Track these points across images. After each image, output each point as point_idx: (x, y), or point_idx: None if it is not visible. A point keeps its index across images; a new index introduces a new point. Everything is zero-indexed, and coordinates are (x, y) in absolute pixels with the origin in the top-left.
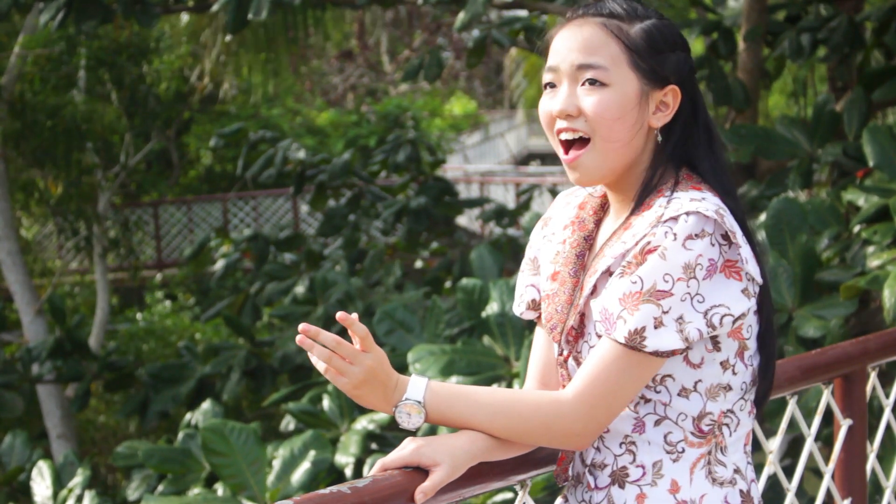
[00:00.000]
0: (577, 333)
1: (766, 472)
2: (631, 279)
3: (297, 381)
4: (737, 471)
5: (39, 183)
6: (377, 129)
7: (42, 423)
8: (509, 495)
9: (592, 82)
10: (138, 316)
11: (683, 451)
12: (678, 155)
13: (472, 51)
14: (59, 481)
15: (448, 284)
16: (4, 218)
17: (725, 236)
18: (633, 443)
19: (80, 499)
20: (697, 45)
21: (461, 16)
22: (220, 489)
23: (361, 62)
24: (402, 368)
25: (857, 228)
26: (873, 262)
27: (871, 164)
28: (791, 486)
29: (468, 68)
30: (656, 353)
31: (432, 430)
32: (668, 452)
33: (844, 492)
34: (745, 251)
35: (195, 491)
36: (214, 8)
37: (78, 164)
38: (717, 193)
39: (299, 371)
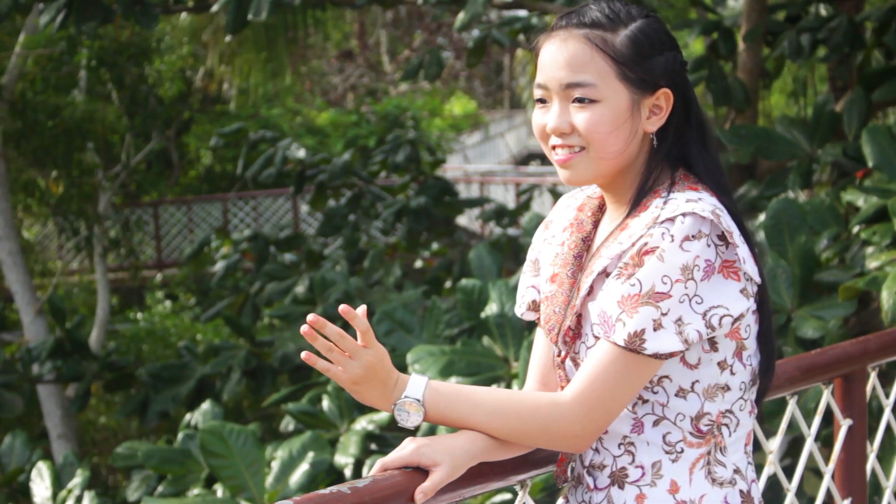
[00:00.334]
0: (574, 334)
1: (766, 472)
2: (629, 282)
3: (297, 382)
4: (737, 471)
5: (40, 183)
6: (377, 129)
7: (42, 423)
8: (508, 496)
9: (582, 100)
10: (139, 316)
11: (682, 451)
12: (673, 154)
13: (472, 51)
14: (59, 482)
15: (448, 284)
16: (5, 218)
17: (722, 236)
18: (632, 443)
19: (79, 499)
20: (697, 45)
21: (461, 16)
22: (219, 490)
23: (361, 62)
24: (401, 369)
25: (856, 229)
26: (872, 263)
27: (870, 164)
28: (791, 486)
29: (468, 68)
30: (656, 356)
31: (432, 431)
32: (667, 453)
33: (844, 492)
34: (743, 251)
35: (194, 492)
36: (214, 8)
37: (79, 164)
38: (713, 192)
39: (299, 371)
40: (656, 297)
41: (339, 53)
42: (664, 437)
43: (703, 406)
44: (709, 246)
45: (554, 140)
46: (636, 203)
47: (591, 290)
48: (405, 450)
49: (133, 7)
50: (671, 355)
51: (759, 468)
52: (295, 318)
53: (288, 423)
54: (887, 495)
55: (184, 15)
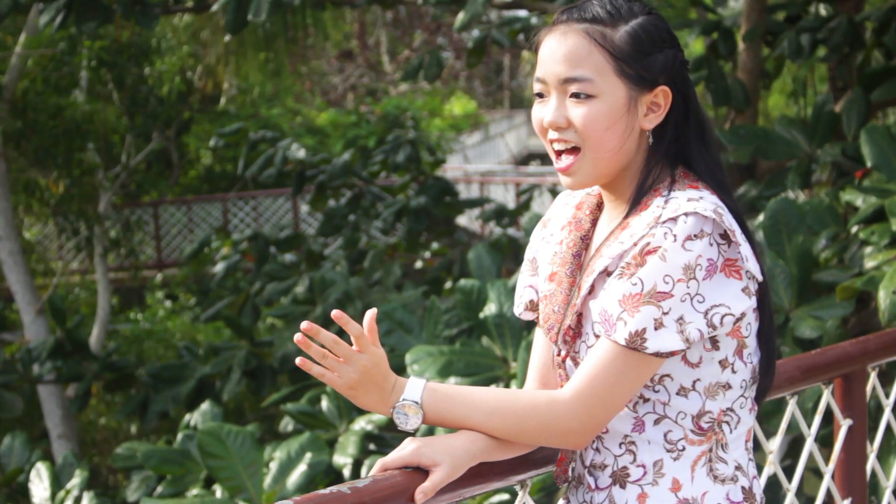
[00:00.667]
0: (574, 334)
1: (766, 472)
2: (631, 281)
3: (297, 382)
4: (738, 467)
5: (41, 183)
6: (377, 129)
7: (43, 423)
8: (506, 496)
9: (579, 95)
10: (139, 316)
11: (684, 449)
12: (672, 153)
13: (472, 51)
14: (58, 482)
15: (448, 285)
16: (5, 218)
17: (724, 235)
18: (633, 442)
19: (78, 500)
20: (697, 45)
21: (461, 16)
22: (218, 491)
23: (361, 62)
24: (400, 369)
25: (854, 229)
26: (870, 263)
27: (868, 164)
28: (791, 486)
29: (468, 68)
30: (657, 354)
31: (431, 432)
32: (668, 451)
33: (844, 492)
34: (745, 249)
35: (193, 492)
36: (214, 8)
37: (79, 164)
38: (714, 191)
39: (299, 371)
40: (658, 296)
41: (339, 53)
42: (665, 435)
43: (704, 404)
44: (711, 245)
45: (551, 134)
46: (636, 202)
47: (591, 290)
48: (405, 450)
49: (133, 7)
50: (672, 354)
51: (759, 468)
52: (295, 317)
53: (287, 424)
54: (887, 495)
55: (184, 15)
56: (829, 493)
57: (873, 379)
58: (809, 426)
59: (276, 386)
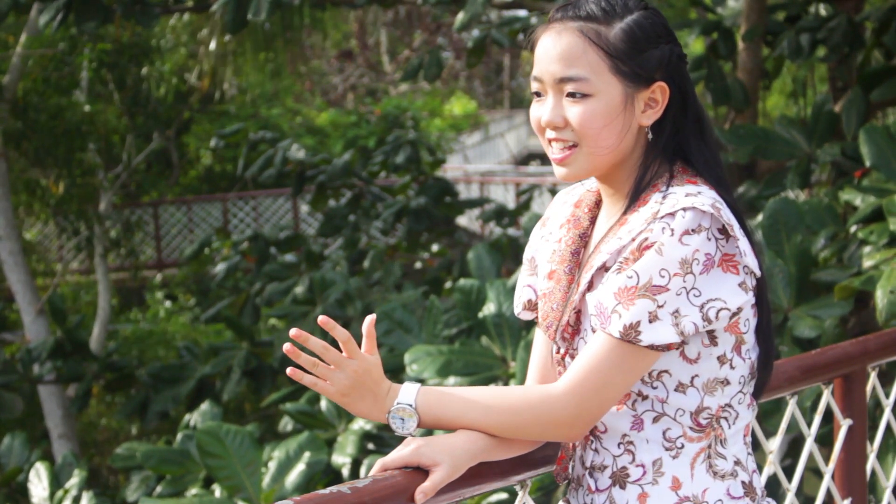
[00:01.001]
0: (573, 331)
1: (766, 471)
2: (626, 274)
3: (296, 382)
4: (737, 462)
5: (42, 183)
6: (377, 129)
7: (44, 424)
8: (504, 496)
9: (575, 94)
10: (139, 317)
11: (683, 446)
12: (671, 148)
13: (471, 51)
14: (57, 481)
15: (448, 285)
16: (6, 218)
17: (723, 230)
18: (632, 442)
19: (77, 499)
20: (697, 45)
21: (461, 16)
22: (217, 490)
23: (361, 62)
24: (400, 369)
25: (853, 228)
26: (868, 263)
27: (868, 164)
28: (791, 486)
29: (468, 68)
30: (651, 347)
31: (430, 431)
32: (667, 449)
33: (844, 492)
34: (743, 244)
35: (192, 492)
36: (214, 8)
37: (80, 164)
38: (712, 186)
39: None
40: (653, 289)
41: (339, 53)
42: (664, 433)
43: (702, 401)
44: (709, 239)
45: (549, 134)
46: (634, 197)
47: (590, 286)
48: (405, 449)
49: (133, 7)
50: (668, 347)
51: (758, 468)
52: (293, 318)
53: (286, 424)
54: (887, 495)
55: (184, 15)
56: (829, 493)
57: (873, 379)
58: (809, 425)
59: (277, 386)
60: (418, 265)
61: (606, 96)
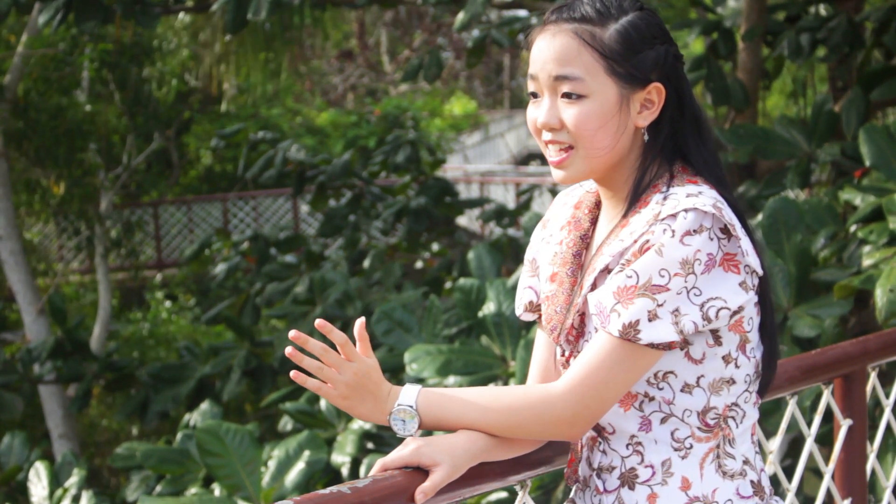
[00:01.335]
0: (577, 333)
1: (766, 472)
2: (626, 273)
3: (297, 382)
4: (746, 462)
5: (42, 183)
6: (377, 129)
7: (45, 424)
8: (504, 495)
9: (570, 95)
10: (140, 317)
11: (691, 447)
12: (669, 148)
13: (471, 51)
14: (57, 480)
15: (448, 285)
16: (7, 217)
17: (724, 229)
18: (640, 443)
19: (76, 498)
20: (697, 45)
21: (461, 16)
22: (216, 489)
23: (361, 62)
24: (400, 368)
25: (853, 228)
26: (868, 262)
27: (867, 163)
28: (791, 487)
29: (468, 68)
30: (651, 345)
31: (430, 432)
32: (675, 450)
33: (844, 492)
34: (745, 243)
35: (192, 491)
36: (214, 8)
37: (80, 164)
38: (713, 185)
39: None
40: (653, 289)
41: (339, 53)
42: (672, 433)
43: (709, 401)
44: (711, 239)
45: (545, 136)
46: (634, 199)
47: (593, 288)
48: (405, 450)
49: (133, 7)
50: (669, 346)
51: None
52: (293, 318)
53: (286, 423)
54: (887, 495)
55: (183, 15)
56: (829, 493)
57: (873, 379)
58: (809, 425)
59: (277, 386)
60: (418, 265)
61: (601, 97)
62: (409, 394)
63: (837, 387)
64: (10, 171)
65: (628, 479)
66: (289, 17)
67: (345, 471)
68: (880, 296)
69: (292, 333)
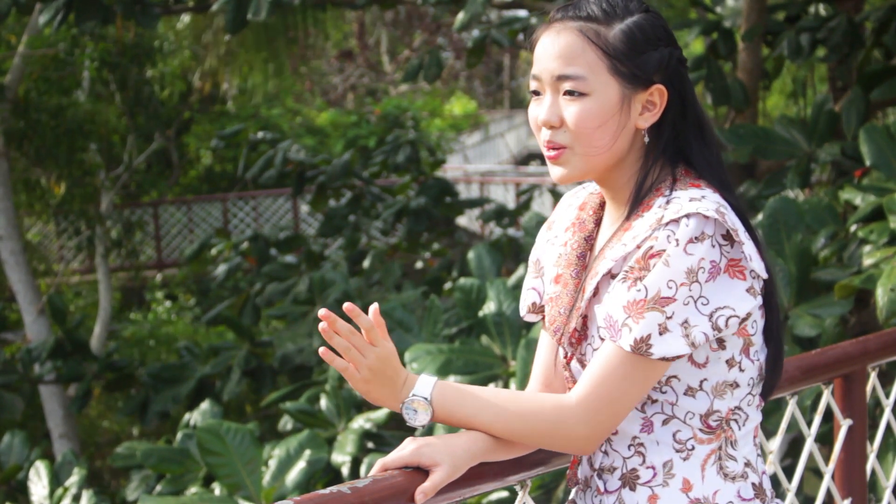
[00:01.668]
0: (580, 336)
1: (767, 472)
2: (636, 287)
3: (297, 381)
4: (747, 464)
5: (42, 183)
6: (377, 129)
7: (45, 424)
8: (504, 494)
9: (571, 93)
10: (140, 317)
11: (693, 448)
12: (671, 151)
13: (471, 51)
14: (57, 480)
15: (448, 285)
16: (7, 217)
17: (727, 235)
18: (642, 444)
19: (76, 498)
20: (697, 45)
21: (461, 16)
22: (217, 489)
23: (361, 62)
24: None
25: (853, 227)
26: (868, 261)
27: (867, 163)
28: (791, 487)
29: (468, 68)
30: (663, 359)
31: (429, 430)
32: (677, 451)
33: (844, 492)
34: (749, 248)
35: (192, 490)
36: (214, 8)
37: (80, 164)
38: (716, 188)
39: (299, 371)
40: (662, 301)
41: (339, 53)
42: (674, 435)
43: (712, 404)
44: (713, 247)
45: (544, 133)
46: (637, 201)
47: (596, 292)
48: (405, 450)
49: (133, 7)
50: (678, 357)
51: None
52: (294, 318)
53: (286, 423)
54: (887, 495)
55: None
56: (829, 493)
57: (873, 379)
58: (809, 425)
59: (277, 386)
60: (418, 265)
61: (603, 96)
62: (425, 385)
63: (837, 387)
64: (10, 171)
65: (629, 480)
66: (289, 17)
67: (345, 470)
68: (881, 295)
69: (322, 312)
